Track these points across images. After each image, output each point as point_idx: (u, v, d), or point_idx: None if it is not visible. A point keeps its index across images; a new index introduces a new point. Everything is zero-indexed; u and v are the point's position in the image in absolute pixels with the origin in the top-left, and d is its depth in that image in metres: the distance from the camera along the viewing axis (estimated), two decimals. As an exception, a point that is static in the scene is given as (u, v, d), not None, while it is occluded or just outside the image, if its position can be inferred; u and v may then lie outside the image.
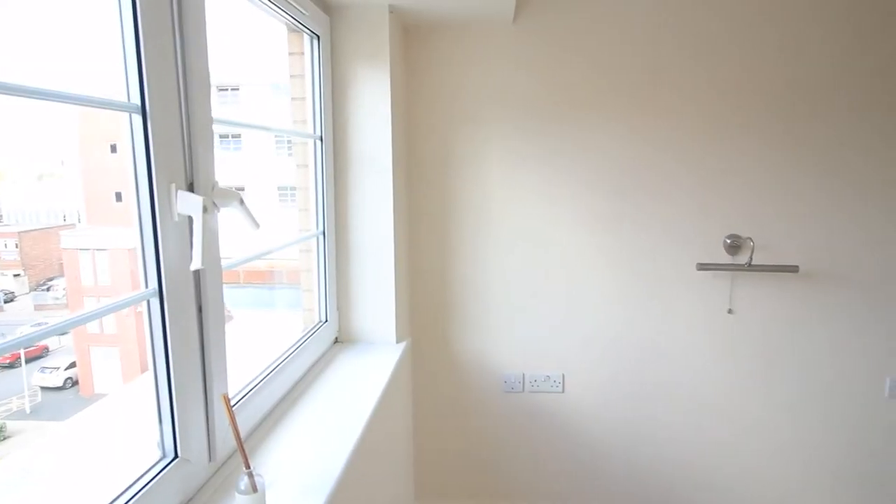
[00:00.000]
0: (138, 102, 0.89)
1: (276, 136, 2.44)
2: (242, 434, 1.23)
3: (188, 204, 0.96)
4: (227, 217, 1.16)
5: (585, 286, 2.13)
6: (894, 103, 1.95)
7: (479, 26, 2.00)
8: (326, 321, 1.79)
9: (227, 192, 1.08)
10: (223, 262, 1.15)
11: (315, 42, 1.70)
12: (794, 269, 2.01)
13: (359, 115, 1.80)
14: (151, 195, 0.91)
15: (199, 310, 1.04)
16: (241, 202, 1.10)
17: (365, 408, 1.40)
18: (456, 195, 2.11)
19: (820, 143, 1.99)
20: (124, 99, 0.89)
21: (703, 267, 2.04)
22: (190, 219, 0.97)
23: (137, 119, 0.90)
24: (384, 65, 1.76)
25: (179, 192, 0.95)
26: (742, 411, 2.18)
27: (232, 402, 1.22)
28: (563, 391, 2.21)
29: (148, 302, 0.95)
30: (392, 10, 1.76)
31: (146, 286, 0.94)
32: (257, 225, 1.14)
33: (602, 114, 2.02)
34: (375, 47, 1.76)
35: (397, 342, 1.89)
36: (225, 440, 1.10)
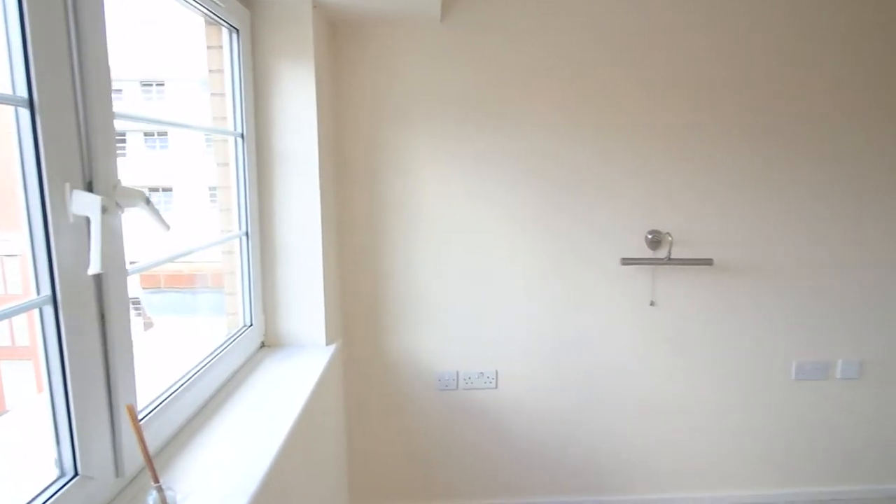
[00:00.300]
0: (25, 95, 0.83)
1: (206, 135, 2.33)
2: (157, 445, 1.17)
3: (84, 204, 0.90)
4: (137, 218, 1.10)
5: (516, 282, 2.17)
6: (796, 106, 2.11)
7: (407, 24, 2.00)
8: (251, 325, 1.73)
9: (131, 191, 1.02)
10: (131, 266, 1.09)
11: (234, 36, 1.64)
12: (708, 262, 2.13)
13: (283, 113, 1.75)
14: (42, 195, 0.85)
15: (102, 317, 0.98)
16: (148, 202, 1.04)
17: (290, 412, 1.36)
18: (387, 194, 2.10)
19: (730, 144, 2.12)
20: (9, 91, 0.83)
21: (626, 261, 2.13)
22: (88, 220, 0.91)
23: (25, 113, 0.84)
24: (308, 61, 1.72)
25: (74, 191, 0.89)
26: (666, 397, 2.29)
27: (144, 413, 1.15)
28: (496, 387, 2.25)
29: (41, 310, 0.88)
30: (316, 4, 1.72)
31: (38, 293, 0.88)
32: (167, 226, 1.09)
33: (530, 113, 2.07)
34: (299, 43, 1.71)
35: (327, 344, 1.85)
36: (134, 454, 1.04)
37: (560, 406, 2.27)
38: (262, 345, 1.83)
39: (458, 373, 2.22)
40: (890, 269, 2.25)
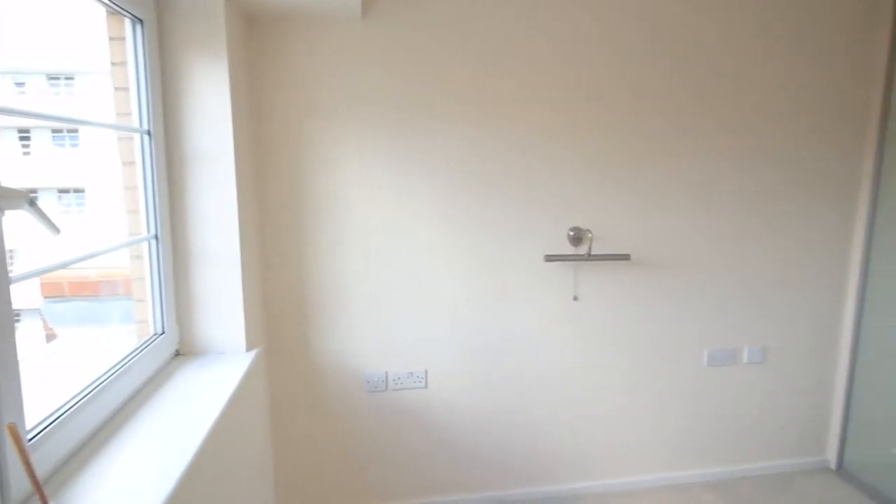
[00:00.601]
0: None
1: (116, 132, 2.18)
2: (53, 465, 1.08)
3: (-47, 206, 0.82)
4: (24, 221, 1.01)
5: (443, 281, 2.18)
6: (707, 108, 2.24)
7: (327, 21, 1.96)
8: (163, 333, 1.64)
9: (13, 191, 0.94)
10: (15, 273, 1.00)
11: (138, 27, 1.54)
12: (626, 257, 2.23)
13: (194, 109, 1.67)
14: None
15: (-22, 329, 0.89)
16: (32, 203, 0.96)
17: (204, 423, 1.30)
18: (311, 193, 2.05)
19: (645, 146, 2.22)
20: None
21: (550, 258, 2.19)
22: (-42, 224, 0.83)
23: None
24: (221, 55, 1.65)
25: (-61, 192, 0.81)
26: (590, 388, 2.38)
27: (36, 432, 1.06)
28: (426, 387, 2.25)
29: None
30: (228, -3, 1.65)
31: None
32: (57, 230, 1.01)
33: (454, 112, 2.08)
34: (211, 36, 1.64)
35: (248, 350, 1.79)
36: (21, 477, 0.95)
37: (490, 402, 2.30)
38: (177, 353, 1.74)
39: (387, 373, 2.20)
40: (790, 264, 2.44)
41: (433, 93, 2.06)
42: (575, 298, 2.29)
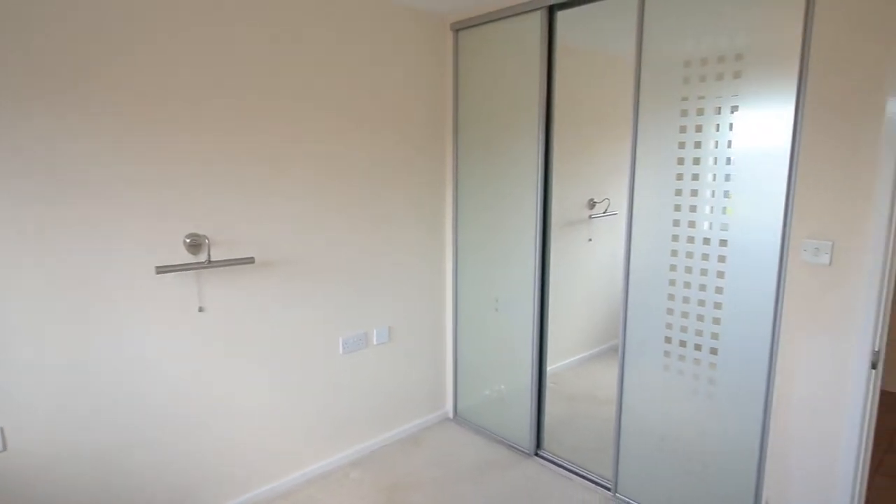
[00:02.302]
0: None
1: None
2: None
3: None
4: None
5: (19, 317, 1.74)
6: (321, 115, 2.36)
7: None
8: None
9: None
10: None
11: None
12: (250, 260, 2.19)
13: None
14: None
15: None
16: None
17: None
18: None
19: (269, 144, 2.21)
20: None
21: (162, 270, 1.97)
22: None
23: None
24: None
25: None
26: (231, 398, 2.27)
27: None
28: (4, 449, 1.76)
29: None
30: None
31: None
32: None
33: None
34: None
35: None
36: None
37: (104, 444, 1.96)
38: None
39: (-67, 448, 1.63)
40: (402, 252, 2.81)
41: None
42: (200, 309, 2.13)
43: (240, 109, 2.15)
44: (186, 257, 2.07)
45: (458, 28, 2.80)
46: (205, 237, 2.09)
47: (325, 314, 2.55)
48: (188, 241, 2.06)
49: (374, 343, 2.77)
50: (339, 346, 2.63)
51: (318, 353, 2.55)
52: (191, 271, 2.08)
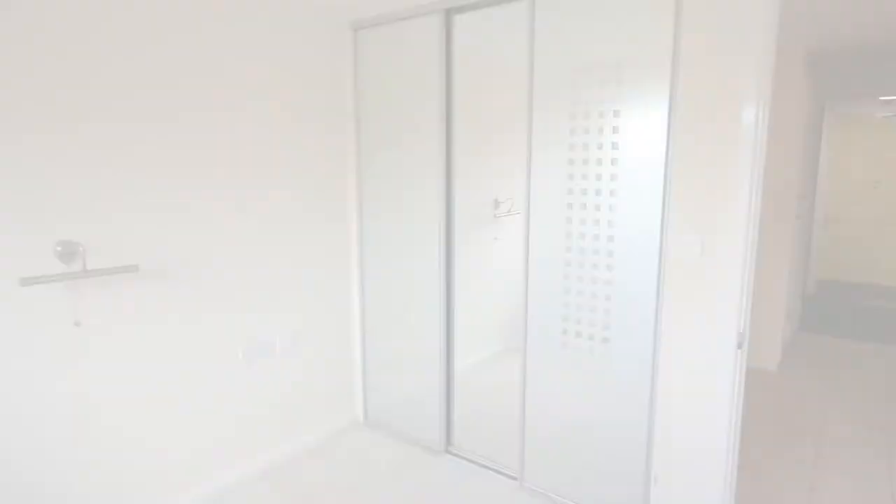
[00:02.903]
0: None
1: None
2: None
3: None
4: None
5: None
6: (225, 119, 2.24)
7: None
8: None
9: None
10: None
11: None
12: (133, 268, 2.03)
13: None
14: None
15: None
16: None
17: None
18: None
19: (155, 145, 2.06)
20: None
21: (27, 282, 1.79)
22: None
23: None
24: None
25: None
26: (124, 418, 2.10)
27: None
28: None
29: None
30: None
31: None
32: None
33: None
34: None
35: None
36: None
37: (-38, 481, 1.74)
38: None
39: None
40: (307, 258, 2.74)
41: None
42: (77, 324, 1.96)
43: (121, 104, 1.99)
44: (60, 267, 1.89)
45: (358, 28, 2.78)
46: (79, 244, 1.91)
47: (222, 323, 2.42)
48: (60, 249, 1.88)
49: (278, 350, 2.68)
50: (239, 355, 2.51)
51: (218, 365, 2.42)
52: (61, 282, 1.89)
